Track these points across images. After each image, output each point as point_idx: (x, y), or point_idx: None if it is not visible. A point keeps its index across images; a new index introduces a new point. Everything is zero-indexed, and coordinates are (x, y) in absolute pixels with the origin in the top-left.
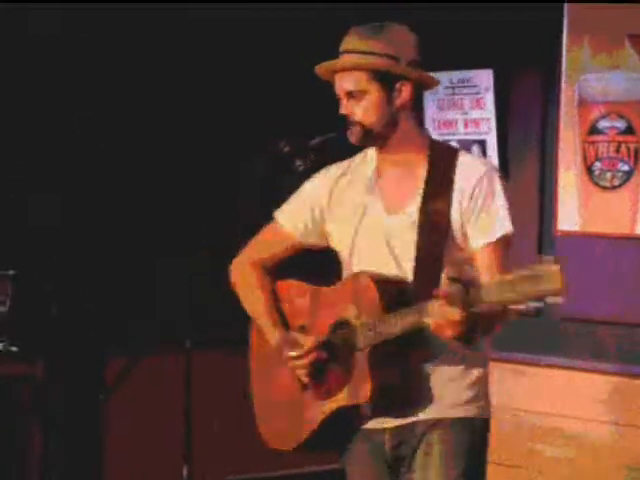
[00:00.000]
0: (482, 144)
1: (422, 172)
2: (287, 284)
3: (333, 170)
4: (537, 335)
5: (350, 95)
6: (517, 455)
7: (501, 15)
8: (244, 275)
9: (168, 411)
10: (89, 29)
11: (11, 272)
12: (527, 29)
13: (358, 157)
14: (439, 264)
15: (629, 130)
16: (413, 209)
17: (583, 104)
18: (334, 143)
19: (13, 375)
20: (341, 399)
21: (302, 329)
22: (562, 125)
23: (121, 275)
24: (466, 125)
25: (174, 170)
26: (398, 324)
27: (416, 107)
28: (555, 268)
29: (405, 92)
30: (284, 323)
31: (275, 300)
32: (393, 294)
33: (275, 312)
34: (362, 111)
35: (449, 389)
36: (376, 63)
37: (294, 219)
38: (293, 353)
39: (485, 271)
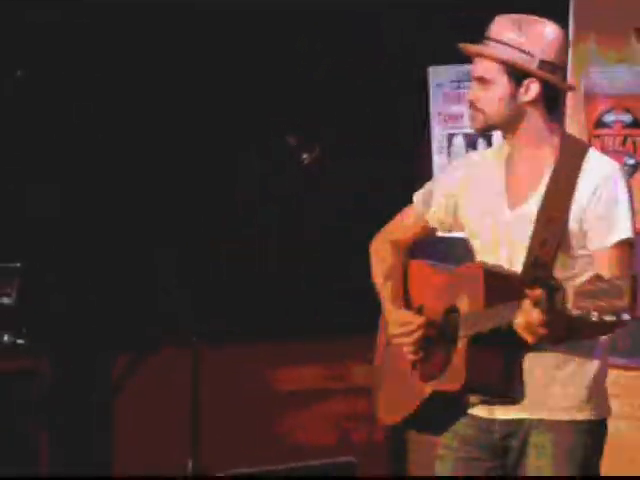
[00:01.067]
0: (488, 138)
1: (548, 169)
2: (418, 264)
3: (470, 159)
4: None
5: (479, 81)
6: None
7: (507, 9)
8: (379, 248)
9: (175, 406)
10: (88, 18)
11: (17, 265)
12: None
13: (496, 147)
14: (551, 262)
15: (635, 124)
16: (533, 205)
17: (589, 97)
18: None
19: (19, 368)
20: (437, 384)
21: (419, 309)
22: (568, 118)
23: (128, 270)
24: None
25: (173, 164)
26: (492, 319)
27: (550, 106)
28: (625, 284)
29: (532, 89)
30: (407, 302)
31: (402, 279)
32: (499, 288)
33: (397, 291)
34: (486, 99)
35: (561, 389)
36: (503, 55)
37: (427, 203)
38: (399, 330)
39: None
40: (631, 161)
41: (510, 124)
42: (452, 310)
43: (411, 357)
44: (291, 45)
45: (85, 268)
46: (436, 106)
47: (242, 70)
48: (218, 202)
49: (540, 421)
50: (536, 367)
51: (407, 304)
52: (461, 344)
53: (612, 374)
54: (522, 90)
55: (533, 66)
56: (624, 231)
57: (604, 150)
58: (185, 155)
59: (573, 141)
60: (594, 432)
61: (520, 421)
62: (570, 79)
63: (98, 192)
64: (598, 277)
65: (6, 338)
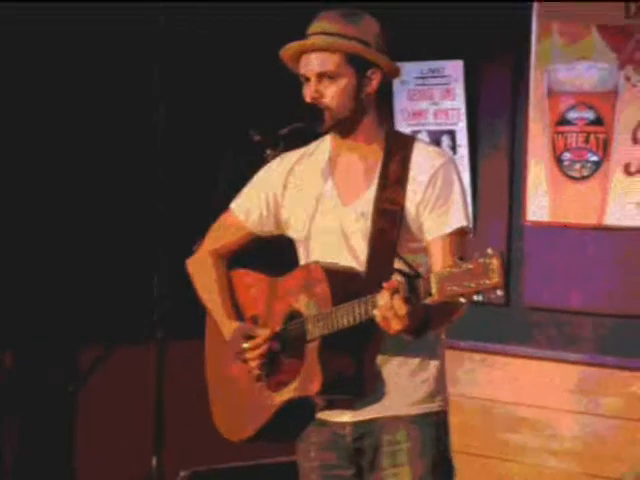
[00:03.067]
0: (452, 134)
1: (377, 161)
2: (242, 273)
3: (288, 158)
4: (506, 325)
5: (322, 77)
6: (487, 445)
7: (471, 6)
8: (200, 265)
9: (139, 402)
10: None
11: None
12: (497, 20)
13: (314, 145)
14: (392, 255)
15: (598, 121)
16: (367, 199)
17: (552, 95)
18: (303, 132)
19: None
20: (292, 391)
21: (254, 319)
22: (531, 115)
23: (94, 264)
24: (436, 115)
25: (150, 162)
26: (347, 315)
27: (380, 98)
28: (495, 262)
29: (375, 80)
30: (238, 313)
31: (229, 290)
32: (344, 285)
33: (229, 303)
34: (333, 95)
35: (409, 384)
36: (351, 46)
37: (248, 208)
38: (246, 345)
39: (439, 264)
40: (594, 158)
41: (354, 118)
42: (293, 315)
43: (257, 371)
44: (263, 42)
45: (51, 262)
46: (400, 103)
47: (221, 68)
48: (198, 199)
49: (393, 418)
50: (383, 365)
51: (239, 316)
52: (312, 346)
53: (570, 370)
54: (366, 81)
55: (375, 55)
56: (460, 219)
57: (567, 147)
58: (163, 154)
59: (398, 134)
60: (443, 423)
61: (371, 421)
62: (533, 76)
63: (78, 190)
64: (460, 259)
65: None
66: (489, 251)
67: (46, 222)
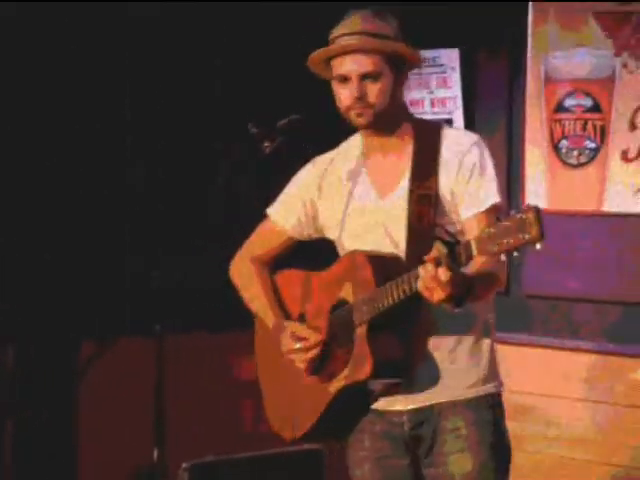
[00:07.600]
0: (449, 123)
1: (409, 151)
2: (286, 274)
3: (321, 160)
4: (506, 314)
5: (365, 77)
6: None
7: None
8: (242, 269)
9: (140, 395)
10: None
11: None
12: (493, 7)
13: (344, 144)
14: (430, 238)
15: (595, 108)
16: (403, 188)
17: (549, 82)
18: (301, 124)
19: None
20: (342, 379)
21: (302, 317)
22: (528, 103)
23: (92, 258)
24: (433, 104)
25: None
26: (391, 294)
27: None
28: (530, 216)
29: (407, 76)
30: (285, 313)
31: (274, 291)
32: (386, 268)
33: (275, 303)
34: (376, 93)
35: (464, 367)
36: (396, 47)
37: (286, 215)
38: (298, 346)
39: None
40: (592, 145)
41: (391, 116)
42: (340, 304)
43: (305, 371)
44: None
45: (49, 257)
46: None
47: (220, 62)
48: (192, 196)
49: (450, 403)
50: (435, 350)
51: (287, 318)
52: (360, 331)
53: (571, 358)
54: (402, 77)
55: (413, 53)
56: (493, 196)
57: (565, 134)
58: (165, 153)
59: (425, 122)
60: (499, 406)
61: (429, 408)
62: (530, 64)
63: (70, 184)
64: (498, 219)
65: None
66: (524, 206)
67: (47, 218)
